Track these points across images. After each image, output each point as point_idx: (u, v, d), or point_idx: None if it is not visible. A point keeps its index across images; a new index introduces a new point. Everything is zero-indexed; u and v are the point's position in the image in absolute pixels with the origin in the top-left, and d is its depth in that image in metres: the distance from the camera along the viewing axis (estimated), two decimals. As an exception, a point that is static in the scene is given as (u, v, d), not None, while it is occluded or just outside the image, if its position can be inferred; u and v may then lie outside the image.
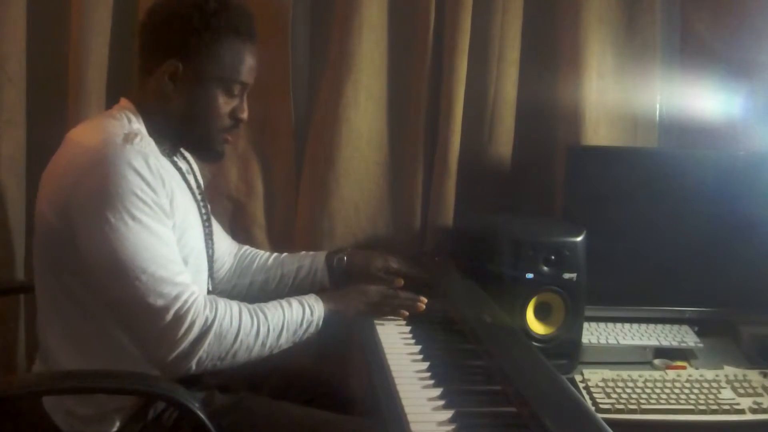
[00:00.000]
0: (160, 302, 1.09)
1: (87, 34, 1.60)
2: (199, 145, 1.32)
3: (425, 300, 1.37)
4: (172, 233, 1.17)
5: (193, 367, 1.12)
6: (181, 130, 1.28)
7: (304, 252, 1.58)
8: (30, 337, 1.68)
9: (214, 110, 1.27)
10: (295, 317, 1.23)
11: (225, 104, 1.27)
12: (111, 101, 1.61)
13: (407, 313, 1.36)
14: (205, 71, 1.24)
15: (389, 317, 1.36)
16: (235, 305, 1.18)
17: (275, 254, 1.59)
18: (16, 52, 1.59)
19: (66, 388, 1.12)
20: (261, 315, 1.19)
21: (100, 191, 1.10)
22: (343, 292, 1.38)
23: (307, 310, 1.25)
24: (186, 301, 1.10)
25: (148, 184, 1.12)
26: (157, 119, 1.26)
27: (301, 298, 1.28)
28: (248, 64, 1.27)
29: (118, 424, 1.19)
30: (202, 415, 1.06)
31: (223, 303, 1.16)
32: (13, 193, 1.63)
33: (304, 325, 1.24)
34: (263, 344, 1.18)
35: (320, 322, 1.27)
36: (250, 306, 1.20)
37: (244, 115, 1.31)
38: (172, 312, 1.09)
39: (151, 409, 1.20)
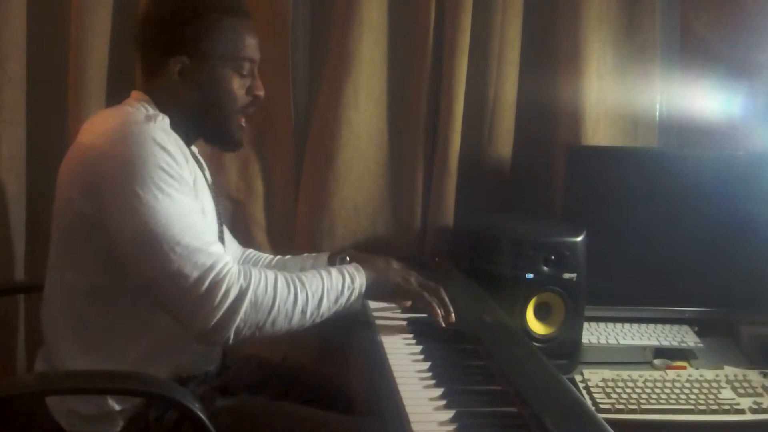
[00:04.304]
0: (195, 273, 1.08)
1: (87, 34, 1.60)
2: (218, 132, 1.32)
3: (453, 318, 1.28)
4: (199, 205, 1.18)
5: (231, 336, 1.10)
6: (200, 121, 1.29)
7: (306, 254, 1.57)
8: (30, 337, 1.68)
9: (229, 93, 1.28)
10: (335, 284, 1.21)
11: (239, 85, 1.29)
12: (111, 101, 1.61)
13: (441, 313, 1.27)
14: (211, 58, 1.25)
15: (415, 305, 1.30)
16: (270, 273, 1.16)
17: (278, 257, 1.58)
18: (16, 52, 1.59)
19: (67, 388, 1.11)
20: (298, 282, 1.17)
21: (127, 167, 1.10)
22: (385, 264, 1.38)
23: (347, 278, 1.23)
24: (220, 271, 1.09)
25: (173, 157, 1.12)
26: (171, 114, 1.26)
27: (341, 266, 1.27)
28: (249, 39, 1.29)
29: (120, 424, 1.19)
30: (202, 416, 1.05)
31: (257, 271, 1.14)
32: (13, 193, 1.63)
33: (346, 293, 1.22)
34: (303, 312, 1.16)
35: (362, 290, 1.24)
36: (287, 274, 1.19)
37: (261, 92, 1.31)
38: (207, 282, 1.08)
39: (152, 410, 1.20)
